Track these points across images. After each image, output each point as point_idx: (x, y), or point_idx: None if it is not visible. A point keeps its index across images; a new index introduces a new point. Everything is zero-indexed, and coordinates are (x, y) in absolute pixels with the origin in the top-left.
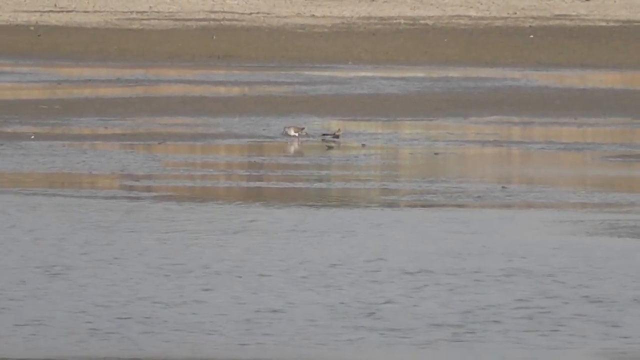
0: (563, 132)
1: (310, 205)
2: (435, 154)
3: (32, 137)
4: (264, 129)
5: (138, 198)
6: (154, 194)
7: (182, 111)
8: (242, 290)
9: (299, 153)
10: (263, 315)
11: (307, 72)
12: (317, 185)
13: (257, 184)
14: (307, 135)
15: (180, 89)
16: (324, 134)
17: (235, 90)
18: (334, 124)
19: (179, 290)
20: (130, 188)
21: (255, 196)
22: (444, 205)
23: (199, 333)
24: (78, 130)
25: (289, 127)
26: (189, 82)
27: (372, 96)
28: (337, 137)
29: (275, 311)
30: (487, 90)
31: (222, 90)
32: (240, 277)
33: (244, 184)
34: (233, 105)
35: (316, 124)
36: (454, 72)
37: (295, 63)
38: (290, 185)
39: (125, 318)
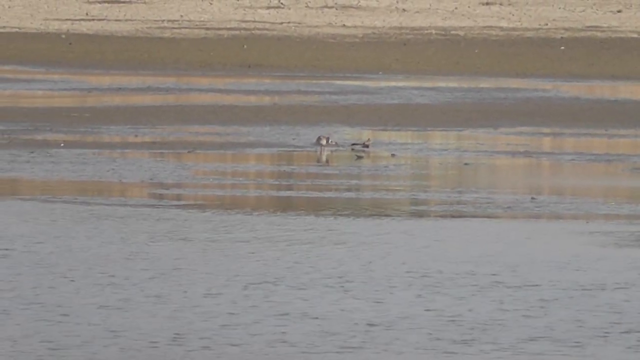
0: (593, 144)
1: (360, 216)
2: (465, 164)
3: (62, 145)
4: (293, 138)
5: (181, 207)
6: (184, 202)
7: (212, 120)
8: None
9: (328, 162)
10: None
11: (337, 82)
12: (361, 194)
13: (299, 193)
14: (337, 144)
15: (211, 98)
16: (353, 144)
17: (266, 100)
18: (364, 134)
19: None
20: (160, 197)
21: (302, 206)
22: (473, 216)
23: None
24: (108, 138)
25: (322, 137)
26: (220, 90)
27: (403, 106)
28: (367, 146)
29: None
30: (518, 101)
31: (252, 99)
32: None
33: (289, 193)
34: (263, 114)
35: (346, 134)
36: (485, 83)
37: (326, 72)
38: (328, 195)
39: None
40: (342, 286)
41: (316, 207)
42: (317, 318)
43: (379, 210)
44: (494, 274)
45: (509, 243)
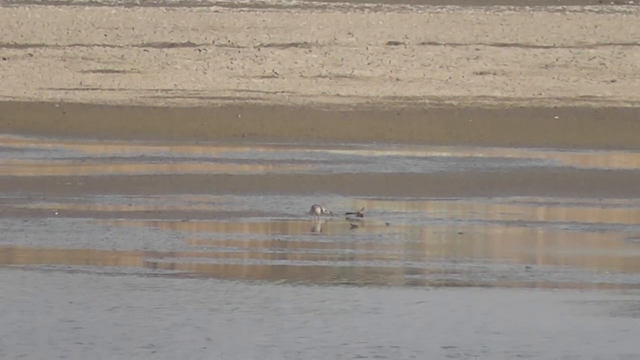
0: (587, 213)
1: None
2: (459, 233)
3: (56, 213)
4: (287, 207)
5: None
6: (178, 271)
7: (206, 189)
8: None
9: (323, 231)
10: None
11: (331, 151)
12: (355, 263)
13: (293, 262)
14: (331, 214)
15: (204, 167)
16: (347, 213)
17: (260, 169)
18: (358, 203)
19: None
20: (154, 265)
21: (295, 275)
22: (468, 285)
23: None
24: (102, 207)
25: (317, 206)
26: (214, 160)
27: (397, 175)
28: (361, 215)
29: None
30: (512, 171)
31: (246, 169)
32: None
33: (283, 262)
34: (257, 184)
35: (340, 203)
36: (479, 152)
37: (320, 142)
38: (323, 263)
39: None
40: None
41: (310, 276)
42: None
43: (372, 279)
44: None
45: (502, 312)
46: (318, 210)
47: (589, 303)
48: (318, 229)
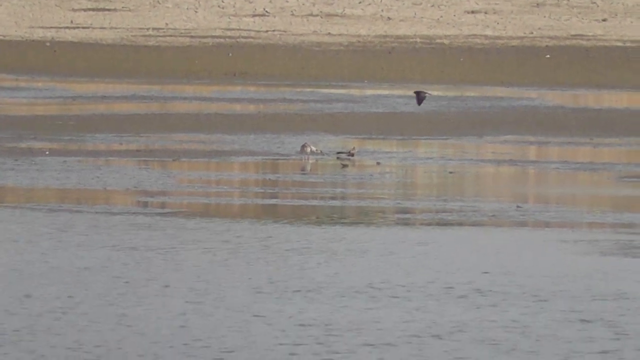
0: (578, 152)
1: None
2: (450, 172)
3: (47, 152)
4: (278, 147)
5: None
6: (170, 210)
7: (197, 128)
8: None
9: (314, 171)
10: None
11: (322, 90)
12: (346, 202)
13: (284, 201)
14: (322, 153)
15: (195, 106)
16: (338, 152)
17: (251, 108)
18: (349, 142)
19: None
20: (145, 204)
21: (285, 214)
22: (458, 224)
23: None
24: (93, 146)
25: (307, 145)
26: (205, 99)
27: (388, 115)
28: (352, 155)
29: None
30: (503, 110)
31: (237, 108)
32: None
33: (274, 201)
34: (248, 123)
35: (331, 142)
36: (470, 91)
37: (311, 81)
38: (313, 203)
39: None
40: (306, 296)
41: (300, 215)
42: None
43: (363, 218)
44: (470, 282)
45: (492, 251)
46: (308, 149)
47: (580, 242)
48: (308, 168)
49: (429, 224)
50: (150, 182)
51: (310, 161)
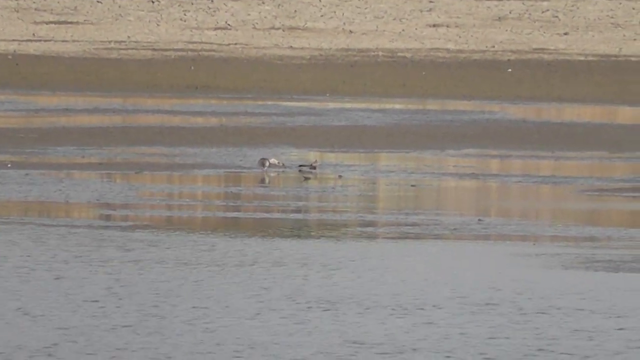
0: (540, 166)
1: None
2: (412, 185)
3: (9, 165)
4: (240, 160)
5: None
6: (132, 223)
7: (159, 141)
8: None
9: (275, 184)
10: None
11: (284, 103)
12: (307, 215)
13: (244, 214)
14: (284, 166)
15: (157, 119)
16: (300, 165)
17: (213, 121)
18: (311, 155)
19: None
20: (107, 217)
21: (247, 227)
22: (420, 238)
23: None
24: (55, 159)
25: (264, 159)
26: (167, 112)
27: (350, 128)
28: (314, 168)
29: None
30: (465, 123)
31: (199, 121)
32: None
33: (236, 214)
34: (210, 136)
35: (293, 155)
36: (432, 105)
37: (273, 94)
38: (271, 215)
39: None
40: (267, 306)
41: (261, 228)
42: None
43: (324, 231)
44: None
45: (453, 265)
46: (267, 163)
47: (541, 256)
48: (270, 181)
49: (391, 238)
50: (112, 195)
51: (273, 174)
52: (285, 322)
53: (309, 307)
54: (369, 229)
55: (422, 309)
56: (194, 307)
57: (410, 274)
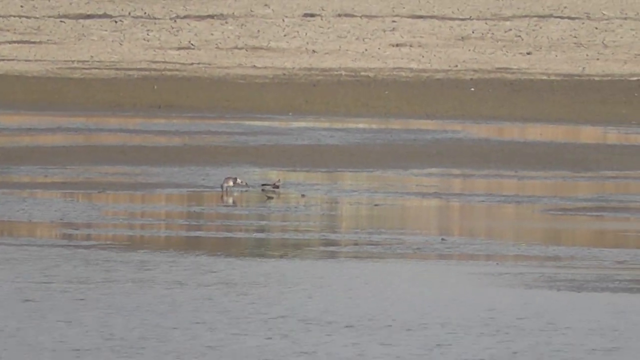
0: (503, 185)
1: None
2: (375, 205)
3: None
4: (203, 179)
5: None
6: (94, 242)
7: (122, 160)
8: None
9: (238, 203)
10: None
11: (247, 122)
12: (270, 235)
13: (206, 233)
14: (246, 185)
15: (120, 138)
16: (263, 184)
17: (176, 140)
18: (274, 174)
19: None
20: (70, 237)
21: (208, 246)
22: (383, 257)
23: None
24: (17, 178)
25: (228, 178)
26: (130, 131)
27: (313, 147)
28: (277, 187)
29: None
30: (428, 143)
31: (162, 140)
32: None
33: (197, 233)
34: (173, 155)
35: (256, 174)
36: (395, 124)
37: (236, 113)
38: (233, 234)
39: None
40: (211, 328)
41: (222, 248)
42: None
43: (286, 250)
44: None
45: (415, 285)
46: (230, 182)
47: (504, 275)
48: (233, 201)
49: (353, 257)
50: (75, 214)
51: (235, 194)
52: (220, 342)
53: (248, 323)
54: (331, 248)
55: (370, 328)
56: (145, 321)
57: (362, 292)
